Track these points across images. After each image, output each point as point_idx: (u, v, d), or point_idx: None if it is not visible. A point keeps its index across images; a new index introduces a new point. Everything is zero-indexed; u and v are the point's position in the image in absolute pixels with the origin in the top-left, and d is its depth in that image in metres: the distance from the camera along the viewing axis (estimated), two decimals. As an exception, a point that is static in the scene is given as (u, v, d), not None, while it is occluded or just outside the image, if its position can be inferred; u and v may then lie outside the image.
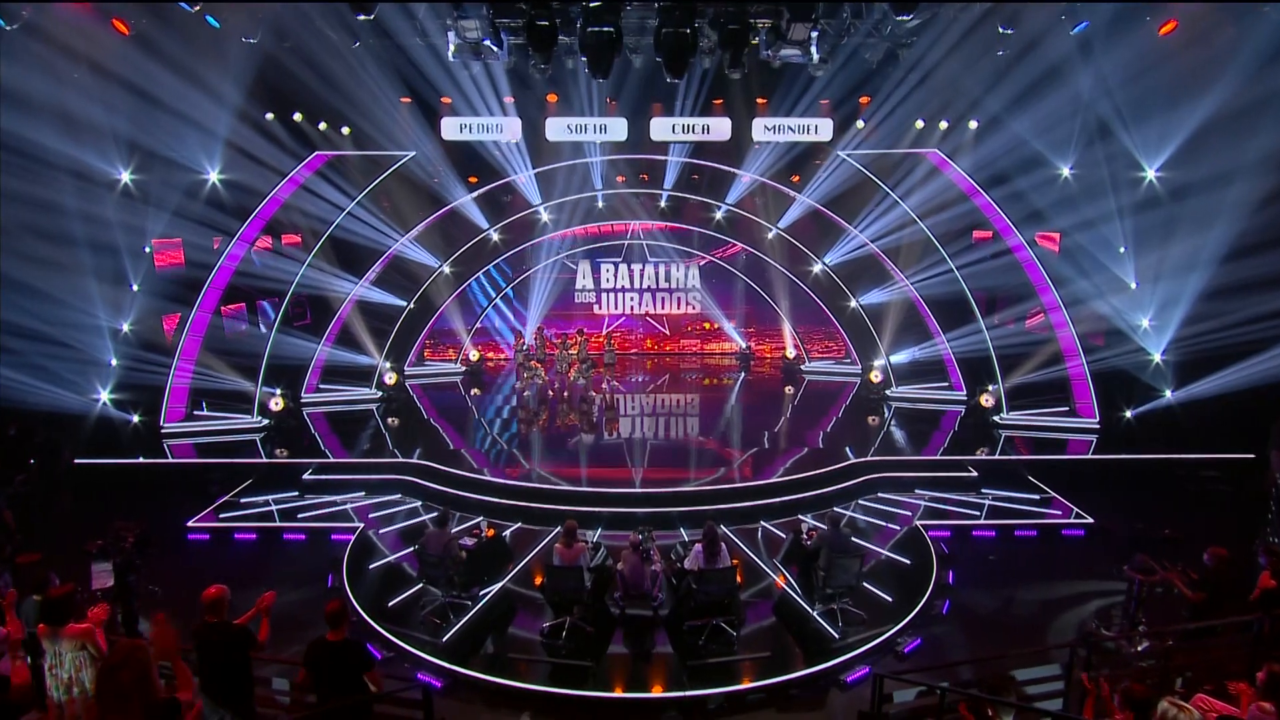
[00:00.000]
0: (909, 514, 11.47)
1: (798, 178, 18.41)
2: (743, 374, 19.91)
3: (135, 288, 14.20)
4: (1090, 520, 11.19)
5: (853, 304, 18.92)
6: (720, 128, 15.38)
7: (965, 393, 16.66)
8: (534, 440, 14.55)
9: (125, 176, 13.43)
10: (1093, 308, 14.95)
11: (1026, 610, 8.98)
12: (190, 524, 11.16)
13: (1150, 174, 13.54)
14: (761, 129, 15.37)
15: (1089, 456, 13.68)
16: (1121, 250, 14.54)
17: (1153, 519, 10.58)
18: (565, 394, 17.25)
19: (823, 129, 15.40)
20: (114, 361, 14.06)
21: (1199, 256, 12.72)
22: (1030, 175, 14.99)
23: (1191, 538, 8.56)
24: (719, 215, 20.07)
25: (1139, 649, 7.87)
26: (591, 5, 10.28)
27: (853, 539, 8.90)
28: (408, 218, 18.17)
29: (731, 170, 18.24)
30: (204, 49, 12.23)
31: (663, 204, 20.12)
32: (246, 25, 11.87)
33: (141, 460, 13.32)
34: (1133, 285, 14.64)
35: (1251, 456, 12.42)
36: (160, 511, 11.37)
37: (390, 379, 17.68)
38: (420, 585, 8.90)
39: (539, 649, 8.03)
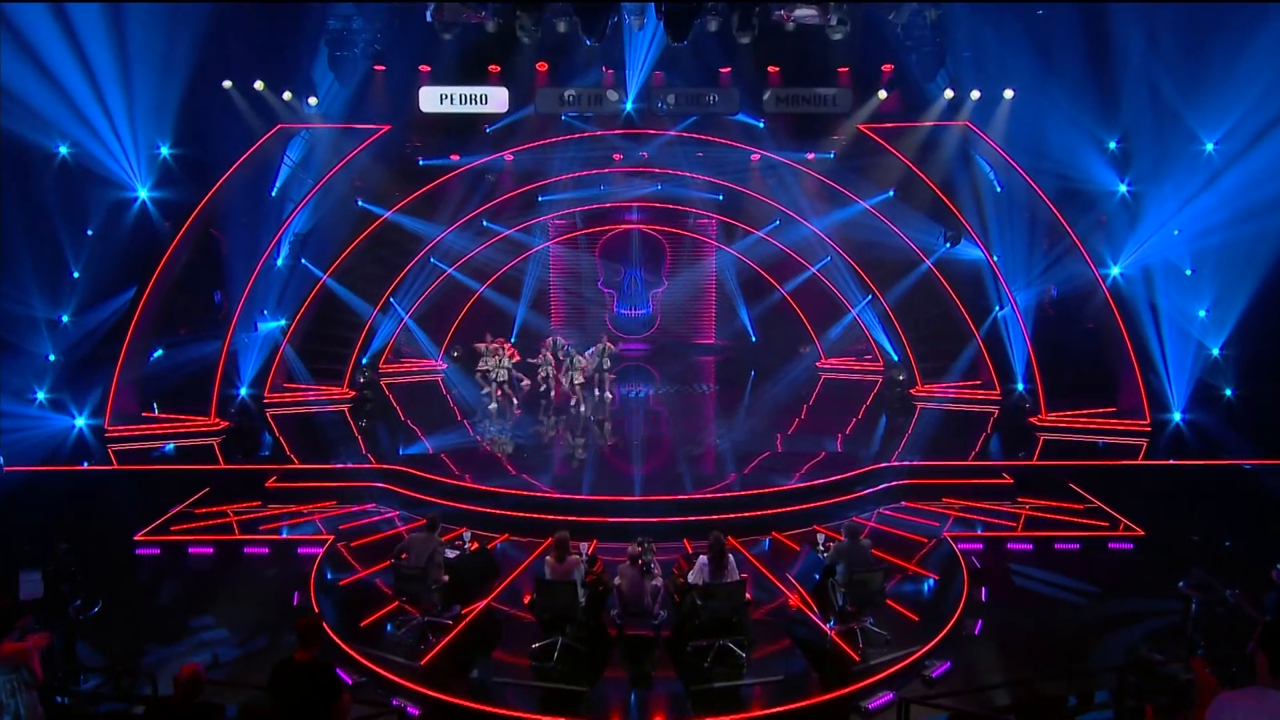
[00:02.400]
0: (937, 524, 11.45)
1: (813, 156, 18.37)
2: (752, 373, 19.93)
3: (76, 275, 14.17)
4: (1140, 532, 11.17)
5: (873, 296, 18.89)
6: (727, 99, 15.36)
7: (999, 391, 16.67)
8: (523, 444, 14.54)
9: (63, 150, 13.39)
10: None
11: (1069, 631, 8.94)
12: (138, 537, 11.12)
13: (1210, 146, 13.50)
14: (773, 100, 15.33)
15: (1139, 462, 13.65)
16: (1176, 233, 14.50)
17: (1212, 531, 10.56)
18: (570, 392, 17.10)
19: (841, 100, 15.39)
20: (52, 357, 14.02)
21: (1265, 239, 12.67)
22: (1073, 149, 14.93)
23: (1257, 551, 8.52)
24: (723, 197, 20.09)
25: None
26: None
27: (873, 551, 8.85)
28: (381, 199, 18.14)
29: (740, 146, 18.18)
30: (154, 7, 12.18)
31: (660, 186, 20.13)
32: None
33: (85, 467, 13.29)
34: (1188, 271, 14.61)
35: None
36: (105, 523, 11.37)
37: (364, 377, 17.67)
38: (397, 604, 8.85)
39: (528, 672, 7.98)
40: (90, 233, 14.36)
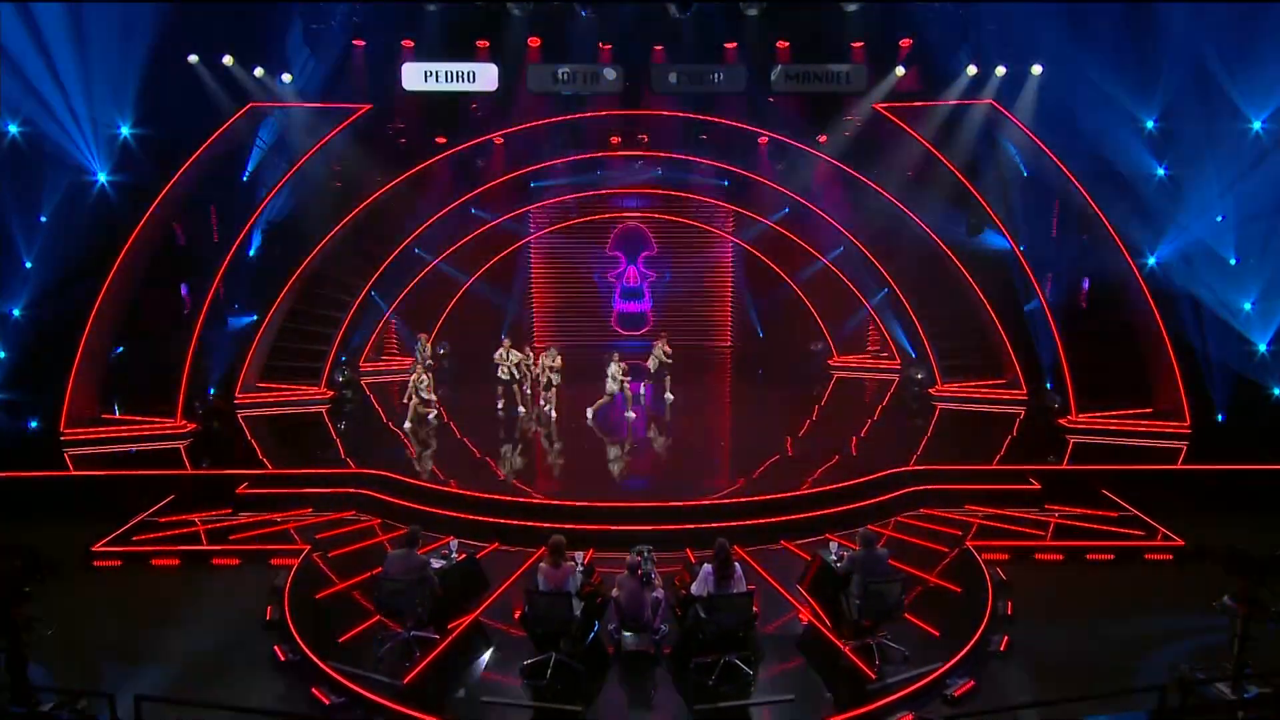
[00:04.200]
0: (959, 533, 11.43)
1: (825, 138, 18.37)
2: (760, 370, 19.97)
3: (28, 265, 14.14)
4: (1179, 542, 11.15)
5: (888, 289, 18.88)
6: (733, 76, 15.34)
7: (1025, 391, 16.66)
8: (515, 448, 14.53)
9: (13, 128, 13.35)
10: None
11: (1103, 648, 8.93)
12: (96, 548, 11.08)
13: (1257, 125, 13.46)
14: (782, 77, 15.32)
15: (1178, 466, 13.64)
16: (1220, 219, 14.47)
17: (1259, 540, 10.50)
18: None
19: (855, 77, 15.37)
20: (2, 354, 14.00)
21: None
22: (1107, 129, 14.90)
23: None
24: (729, 183, 20.10)
25: (1245, 696, 7.79)
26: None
27: (891, 561, 8.84)
28: (361, 185, 18.10)
29: (747, 128, 18.18)
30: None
31: (660, 171, 20.14)
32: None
33: (39, 473, 13.25)
34: (1232, 261, 14.59)
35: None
36: (60, 534, 11.32)
37: (342, 376, 17.66)
38: (378, 618, 8.83)
39: (519, 691, 7.97)
40: (44, 219, 14.33)
